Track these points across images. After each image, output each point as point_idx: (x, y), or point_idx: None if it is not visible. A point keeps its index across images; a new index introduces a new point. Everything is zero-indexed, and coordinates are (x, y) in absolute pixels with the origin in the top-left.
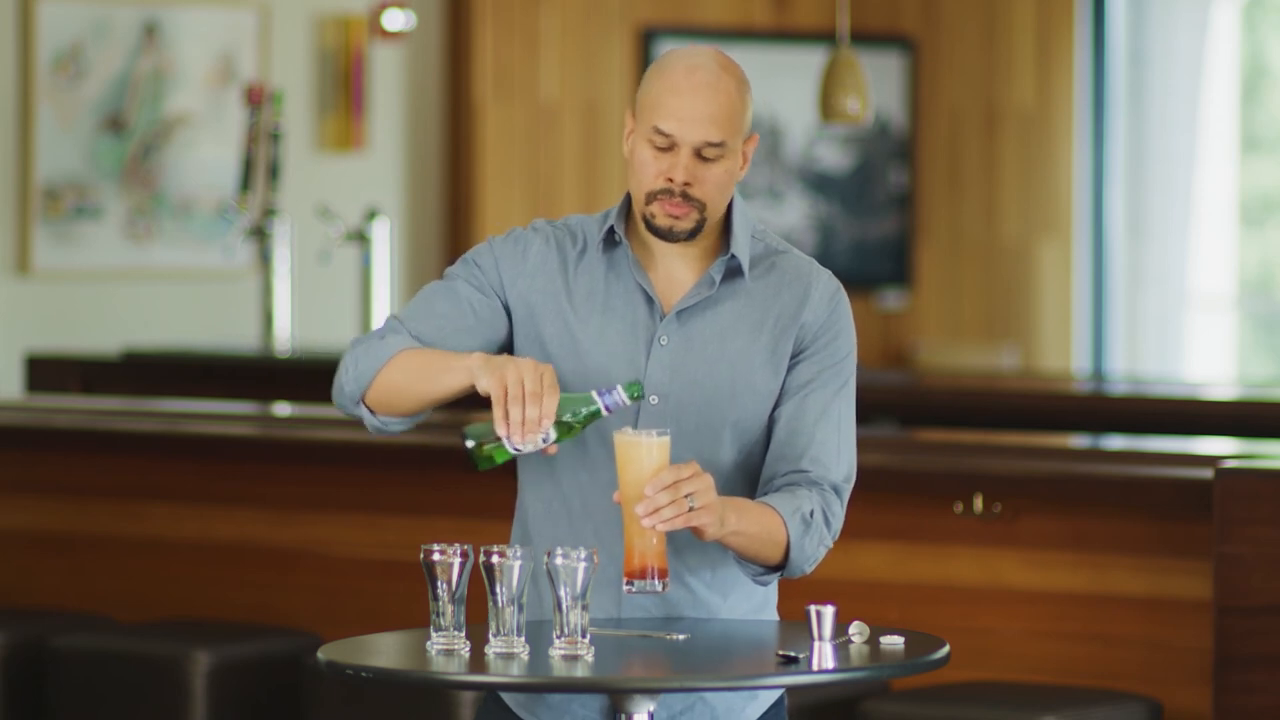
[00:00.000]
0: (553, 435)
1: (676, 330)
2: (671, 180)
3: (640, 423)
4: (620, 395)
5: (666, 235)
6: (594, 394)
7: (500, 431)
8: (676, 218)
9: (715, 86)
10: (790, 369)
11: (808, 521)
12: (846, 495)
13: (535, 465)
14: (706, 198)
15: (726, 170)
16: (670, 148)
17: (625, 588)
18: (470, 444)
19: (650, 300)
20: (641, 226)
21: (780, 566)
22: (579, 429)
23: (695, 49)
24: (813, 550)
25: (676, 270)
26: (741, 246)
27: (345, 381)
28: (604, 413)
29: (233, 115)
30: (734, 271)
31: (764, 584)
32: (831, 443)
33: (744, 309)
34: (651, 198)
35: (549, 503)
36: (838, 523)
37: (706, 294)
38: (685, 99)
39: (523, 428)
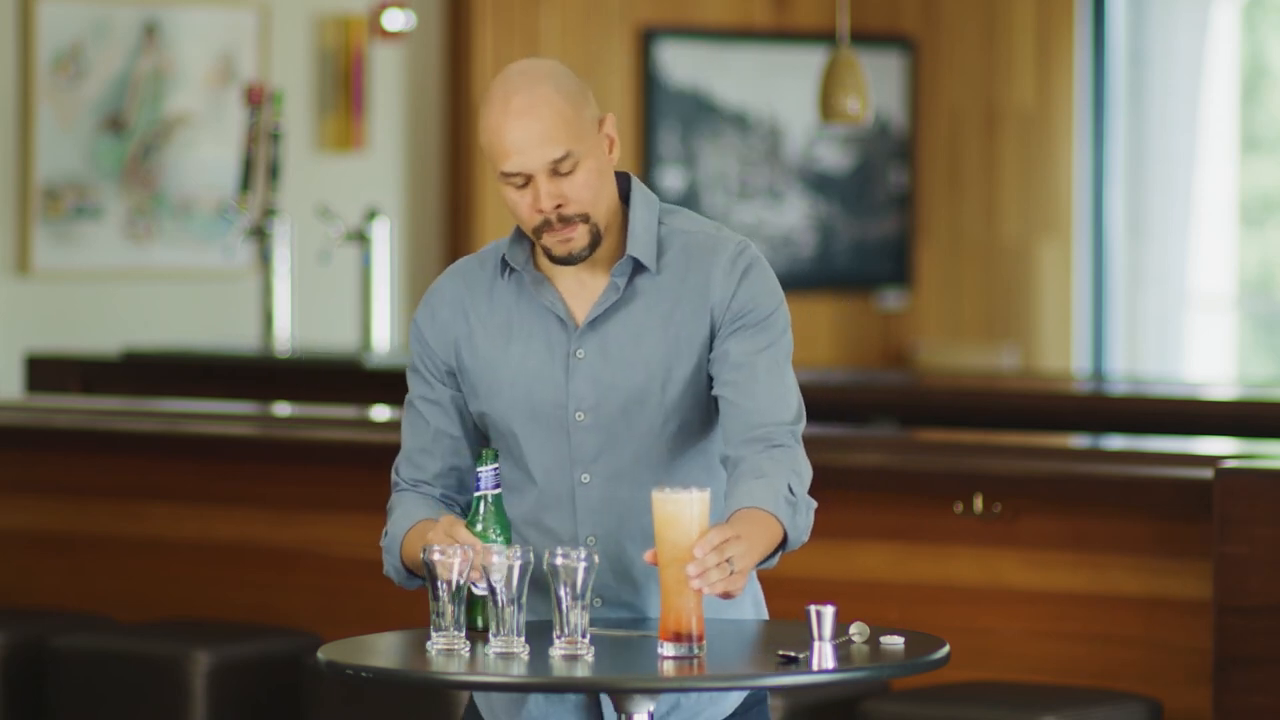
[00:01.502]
0: (495, 544)
1: (591, 340)
2: (542, 210)
3: (572, 438)
4: (483, 474)
5: (570, 261)
6: (475, 494)
7: (476, 590)
8: (569, 240)
9: (532, 107)
10: (718, 344)
11: (792, 501)
12: (800, 433)
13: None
14: (584, 206)
15: (590, 170)
16: (525, 183)
17: (659, 649)
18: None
19: (560, 319)
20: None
21: (779, 547)
22: (501, 525)
23: (508, 74)
24: (804, 522)
25: (585, 278)
26: (640, 244)
27: (398, 581)
28: (491, 492)
29: (233, 115)
30: (640, 268)
31: (767, 567)
32: (775, 393)
33: (653, 303)
34: (538, 233)
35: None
36: (807, 470)
37: (614, 299)
38: (512, 133)
39: (470, 573)
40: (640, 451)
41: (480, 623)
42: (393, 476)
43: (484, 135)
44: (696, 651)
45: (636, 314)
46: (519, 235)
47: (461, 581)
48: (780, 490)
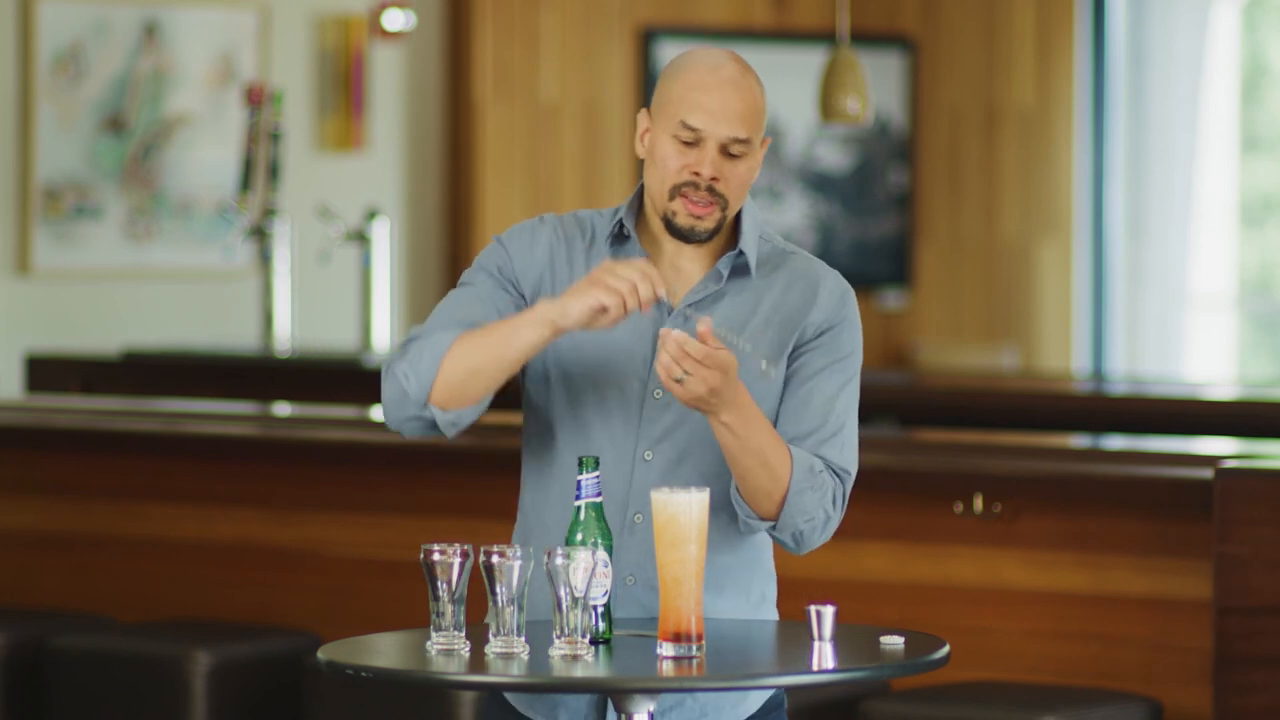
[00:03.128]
0: (604, 556)
1: (683, 325)
2: (698, 174)
3: (644, 414)
4: (584, 481)
5: (687, 235)
6: (575, 503)
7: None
8: (699, 217)
9: (740, 84)
10: (794, 359)
11: (814, 474)
12: (849, 489)
13: (537, 460)
14: (730, 194)
15: (749, 168)
16: (696, 143)
17: (658, 649)
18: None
19: (659, 295)
20: (654, 223)
21: (773, 516)
22: (603, 533)
23: (712, 50)
24: (812, 508)
25: (683, 265)
26: (750, 244)
27: (408, 389)
28: (592, 500)
29: (233, 115)
30: (741, 268)
31: (754, 529)
32: (839, 433)
33: (750, 305)
34: (675, 192)
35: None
36: (840, 511)
37: (714, 288)
38: (713, 95)
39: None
40: (707, 440)
41: (608, 633)
42: (406, 337)
43: (674, 86)
44: (695, 652)
45: (731, 309)
46: (632, 206)
47: (579, 595)
48: (812, 464)
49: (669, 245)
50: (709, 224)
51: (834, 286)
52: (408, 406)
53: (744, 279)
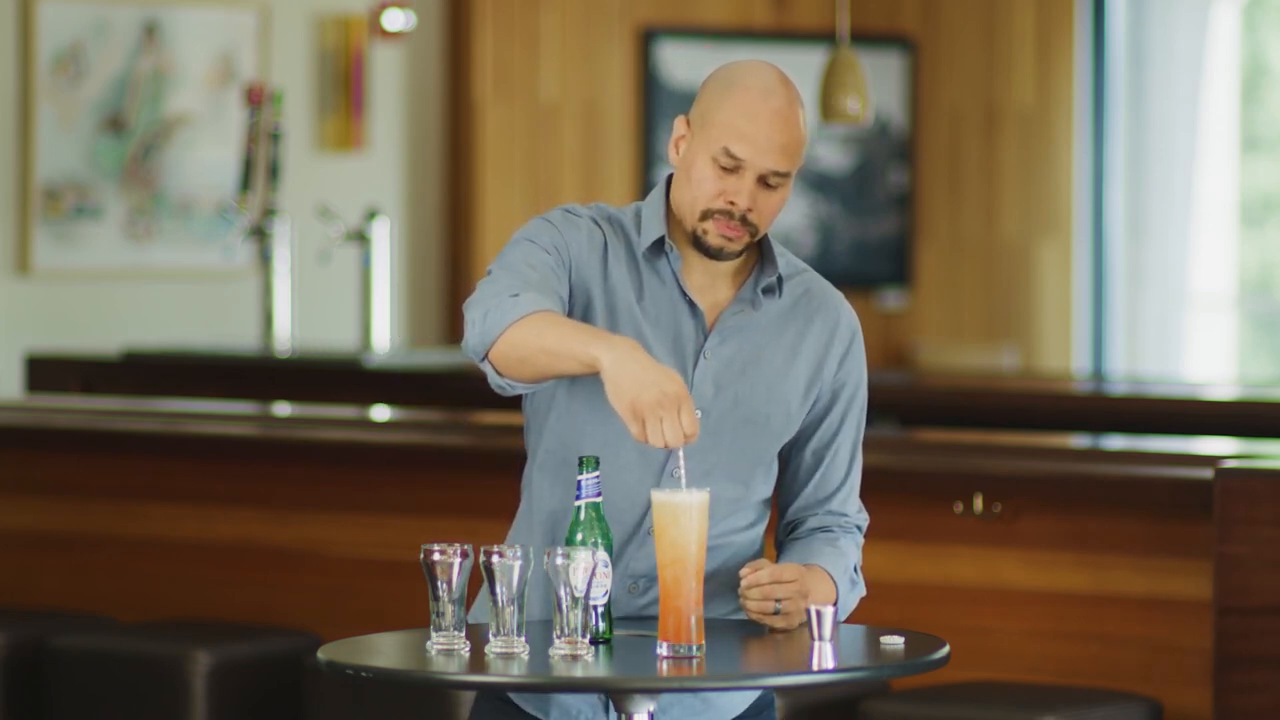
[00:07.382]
0: (604, 557)
1: (718, 345)
2: (734, 204)
3: None
4: (584, 481)
5: (715, 255)
6: (575, 503)
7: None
8: (730, 239)
9: (788, 116)
10: (820, 404)
11: (854, 580)
12: (865, 526)
13: (548, 456)
14: (762, 224)
15: (781, 199)
16: (736, 169)
17: (658, 650)
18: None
19: (695, 314)
20: (680, 230)
21: None
22: (603, 533)
23: (761, 69)
24: (852, 602)
25: (709, 281)
26: (779, 267)
27: (471, 335)
28: (592, 500)
29: (233, 115)
30: (767, 289)
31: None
32: (856, 484)
33: (779, 330)
34: (708, 215)
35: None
36: (860, 552)
37: (750, 311)
38: (761, 125)
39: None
40: (732, 463)
41: (608, 633)
42: (478, 293)
43: (722, 106)
44: (695, 652)
45: (763, 333)
46: (662, 215)
47: (579, 595)
48: (848, 566)
49: (694, 258)
50: (738, 246)
51: (849, 321)
52: (469, 351)
53: (771, 300)
